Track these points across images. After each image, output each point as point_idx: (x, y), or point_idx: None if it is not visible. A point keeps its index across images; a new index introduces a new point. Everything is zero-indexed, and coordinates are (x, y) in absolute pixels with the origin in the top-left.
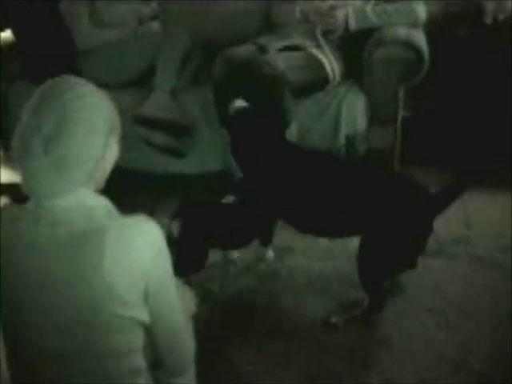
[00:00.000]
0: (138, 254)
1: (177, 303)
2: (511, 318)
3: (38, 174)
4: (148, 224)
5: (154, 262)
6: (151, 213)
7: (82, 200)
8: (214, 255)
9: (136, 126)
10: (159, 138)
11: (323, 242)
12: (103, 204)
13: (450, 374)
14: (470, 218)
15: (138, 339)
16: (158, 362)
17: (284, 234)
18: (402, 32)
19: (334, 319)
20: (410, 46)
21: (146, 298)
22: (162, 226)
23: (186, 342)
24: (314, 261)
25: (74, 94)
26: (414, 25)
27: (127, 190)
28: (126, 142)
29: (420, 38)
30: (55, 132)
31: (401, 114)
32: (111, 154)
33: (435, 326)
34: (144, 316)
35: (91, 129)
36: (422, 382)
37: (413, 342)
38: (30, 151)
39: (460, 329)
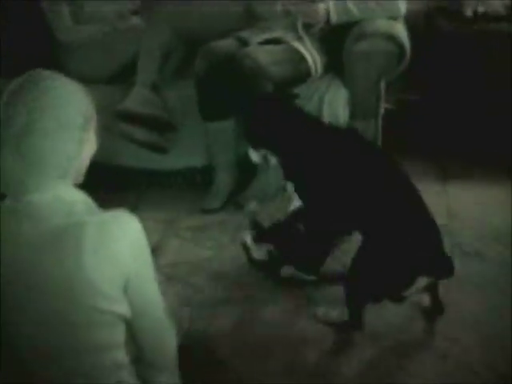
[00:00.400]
0: (117, 249)
1: (158, 298)
2: (494, 306)
3: (11, 170)
4: (127, 218)
5: (134, 256)
6: (134, 208)
7: (60, 195)
8: (197, 250)
9: (118, 122)
10: (141, 133)
11: None
12: (82, 199)
13: (433, 363)
14: (452, 209)
15: (120, 334)
16: (140, 357)
17: None
18: (382, 25)
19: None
20: (391, 38)
21: (126, 291)
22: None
23: (168, 337)
24: None
25: (46, 88)
26: (394, 18)
27: (110, 185)
28: (108, 137)
29: (401, 31)
30: (27, 127)
31: (383, 106)
32: (88, 149)
33: (419, 316)
34: (125, 310)
35: (64, 123)
36: (404, 371)
37: (396, 331)
38: (2, 146)
39: (443, 318)
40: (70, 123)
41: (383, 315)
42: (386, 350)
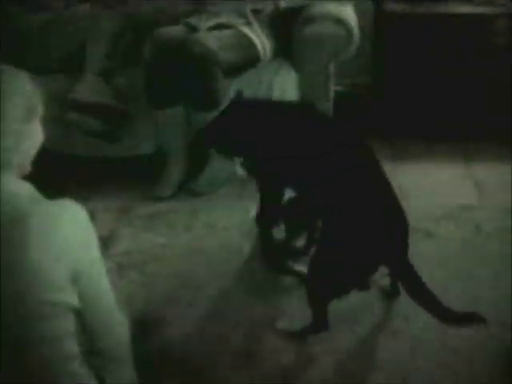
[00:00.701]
0: (63, 238)
1: (107, 286)
2: (443, 284)
3: None
4: (73, 208)
5: (82, 246)
6: (86, 198)
7: (4, 187)
8: (151, 238)
9: (68, 111)
10: (92, 122)
11: None
12: (26, 190)
13: (386, 341)
14: (403, 188)
15: (70, 325)
16: (92, 347)
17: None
18: (331, 8)
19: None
20: (339, 22)
21: (75, 281)
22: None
23: (119, 327)
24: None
25: None
26: (343, 1)
27: (62, 175)
28: (60, 126)
29: (349, 14)
30: None
31: (333, 89)
32: (32, 140)
33: (374, 296)
34: (74, 300)
35: (1, 116)
36: (360, 350)
37: (351, 310)
38: None
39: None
40: (7, 117)
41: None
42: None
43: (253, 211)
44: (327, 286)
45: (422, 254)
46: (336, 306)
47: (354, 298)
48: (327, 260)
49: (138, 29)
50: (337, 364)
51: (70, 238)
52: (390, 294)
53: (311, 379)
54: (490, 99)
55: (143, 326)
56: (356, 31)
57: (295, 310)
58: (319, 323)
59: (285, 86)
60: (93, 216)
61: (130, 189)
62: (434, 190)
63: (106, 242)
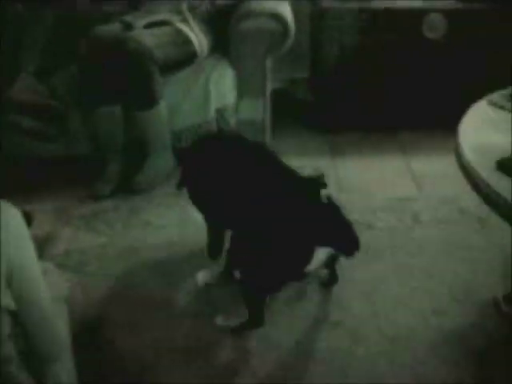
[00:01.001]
0: None
1: (42, 287)
2: (383, 275)
3: None
4: (6, 210)
5: (16, 247)
6: (25, 198)
7: None
8: (90, 238)
9: (5, 111)
10: (28, 122)
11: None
12: None
13: (326, 332)
14: (342, 182)
15: (5, 327)
16: (30, 348)
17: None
18: (267, 4)
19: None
20: (275, 17)
21: (9, 283)
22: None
23: (56, 327)
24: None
25: None
26: None
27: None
28: None
29: (285, 10)
30: None
31: (270, 85)
32: None
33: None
34: (8, 302)
35: None
36: (301, 343)
37: (288, 305)
38: None
39: (337, 288)
40: None
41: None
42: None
43: None
44: (261, 285)
45: (362, 246)
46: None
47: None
48: (258, 259)
49: (73, 27)
50: (277, 357)
51: (4, 241)
52: (327, 283)
53: (253, 373)
54: (424, 91)
55: (84, 326)
56: (292, 26)
57: (234, 306)
58: (255, 320)
59: (222, 82)
60: (31, 217)
61: (67, 189)
62: (372, 183)
63: (45, 243)
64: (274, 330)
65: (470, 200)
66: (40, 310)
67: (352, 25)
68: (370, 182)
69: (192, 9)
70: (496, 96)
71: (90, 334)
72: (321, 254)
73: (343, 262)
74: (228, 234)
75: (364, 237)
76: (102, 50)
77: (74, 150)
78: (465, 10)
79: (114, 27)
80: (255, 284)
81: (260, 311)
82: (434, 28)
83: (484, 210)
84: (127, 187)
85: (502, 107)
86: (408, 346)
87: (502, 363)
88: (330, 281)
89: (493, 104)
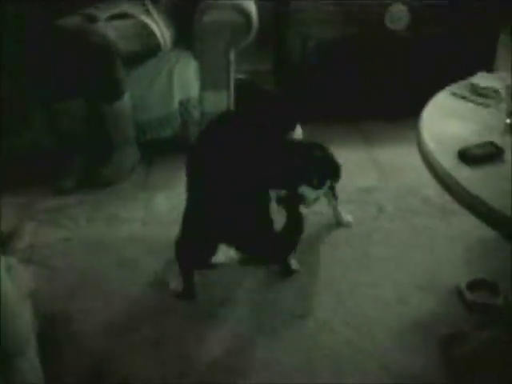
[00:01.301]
0: None
1: (4, 281)
2: (348, 266)
3: None
4: None
5: None
6: None
7: None
8: (54, 232)
9: None
10: None
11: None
12: None
13: (291, 321)
14: None
15: None
16: None
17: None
18: None
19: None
20: (238, 9)
21: None
22: None
23: (18, 320)
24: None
25: None
26: None
27: None
28: None
29: (248, 2)
30: None
31: (234, 77)
32: None
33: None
34: None
35: None
36: (265, 332)
37: (251, 293)
38: None
39: (299, 278)
40: None
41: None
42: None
43: None
44: (186, 258)
45: (327, 238)
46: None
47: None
48: (184, 234)
49: (36, 20)
50: (239, 346)
51: None
52: (282, 274)
53: (213, 362)
54: (386, 82)
55: (49, 321)
56: (255, 19)
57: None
58: (185, 290)
59: (185, 74)
60: None
61: (31, 184)
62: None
63: (9, 238)
64: (237, 318)
65: (433, 190)
66: (1, 304)
67: (315, 17)
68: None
69: (155, 1)
70: (457, 86)
71: (55, 328)
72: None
73: (307, 252)
74: None
75: (329, 227)
76: (65, 42)
77: (37, 144)
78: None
79: (77, 20)
80: (181, 256)
81: (188, 283)
82: (397, 19)
83: (447, 199)
84: (91, 181)
85: (463, 97)
86: (372, 334)
87: (465, 350)
88: (284, 272)
89: (454, 94)
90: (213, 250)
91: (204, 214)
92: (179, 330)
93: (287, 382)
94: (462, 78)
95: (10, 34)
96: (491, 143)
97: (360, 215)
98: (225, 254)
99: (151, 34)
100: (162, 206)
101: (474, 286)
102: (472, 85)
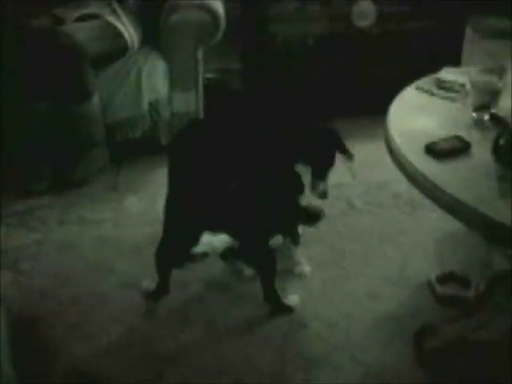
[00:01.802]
0: None
1: None
2: (318, 261)
3: None
4: None
5: None
6: None
7: None
8: (24, 235)
9: None
10: None
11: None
12: None
13: (263, 316)
14: None
15: None
16: None
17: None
18: None
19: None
20: (204, 9)
21: None
22: None
23: None
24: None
25: None
26: None
27: None
28: None
29: (215, 1)
30: None
31: (202, 76)
32: None
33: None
34: None
35: None
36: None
37: (224, 288)
38: None
39: None
40: None
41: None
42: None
43: None
44: (164, 256)
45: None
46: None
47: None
48: (164, 232)
49: (3, 20)
50: (215, 341)
51: None
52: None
53: (188, 364)
54: (354, 79)
55: (20, 325)
56: (222, 18)
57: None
58: (160, 287)
59: (154, 74)
60: None
61: (0, 186)
62: None
63: None
64: (209, 317)
65: (402, 185)
66: None
67: (283, 15)
68: None
69: (121, 2)
70: (424, 81)
71: (26, 332)
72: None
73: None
74: None
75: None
76: (32, 43)
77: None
78: None
79: (44, 21)
80: (160, 254)
81: (163, 279)
82: (364, 16)
83: (416, 193)
84: (61, 183)
85: (429, 92)
86: (344, 329)
87: (436, 343)
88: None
89: (421, 89)
90: (195, 240)
91: (189, 202)
92: (153, 330)
93: (260, 379)
94: (429, 73)
95: None
96: (458, 137)
97: (330, 211)
98: (207, 245)
99: (118, 34)
100: (132, 207)
101: (444, 279)
102: (438, 80)
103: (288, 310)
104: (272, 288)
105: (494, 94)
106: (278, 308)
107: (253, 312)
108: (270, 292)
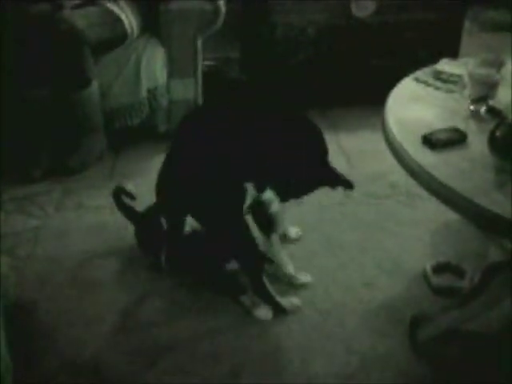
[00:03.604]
0: None
1: None
2: (314, 251)
3: None
4: None
5: None
6: None
7: None
8: (22, 221)
9: None
10: None
11: None
12: None
13: (259, 306)
14: None
15: None
16: None
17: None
18: None
19: None
20: None
21: None
22: None
23: None
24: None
25: None
26: None
27: None
28: None
29: None
30: None
31: (202, 64)
32: None
33: None
34: None
35: None
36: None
37: None
38: None
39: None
40: None
41: None
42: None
43: None
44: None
45: (294, 221)
46: None
47: None
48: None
49: (2, 6)
50: (210, 334)
51: None
52: None
53: (185, 350)
54: (353, 69)
55: (17, 310)
56: (222, 6)
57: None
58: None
59: (153, 61)
60: None
61: None
62: None
63: None
64: (204, 305)
65: (398, 175)
66: None
67: (283, 5)
68: None
69: None
70: (422, 73)
71: (24, 317)
72: None
73: None
74: None
75: (295, 212)
76: (32, 30)
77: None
78: None
79: (43, 7)
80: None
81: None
82: (363, 7)
83: (412, 183)
84: (59, 169)
85: (427, 83)
86: (340, 318)
87: (431, 333)
88: None
89: (419, 80)
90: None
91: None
92: (149, 317)
93: (256, 367)
94: (427, 64)
95: None
96: (455, 128)
97: (327, 201)
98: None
99: (118, 21)
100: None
101: (439, 269)
102: (436, 71)
103: (281, 310)
104: (258, 281)
105: (492, 86)
106: (270, 303)
107: (249, 301)
108: (257, 285)
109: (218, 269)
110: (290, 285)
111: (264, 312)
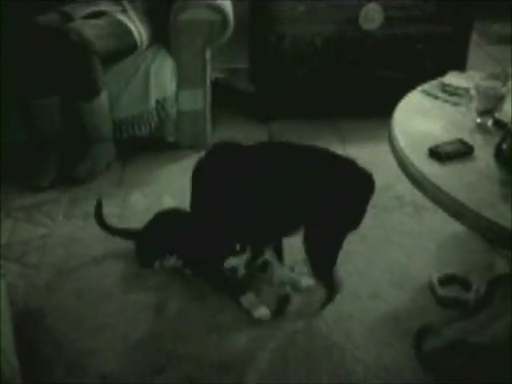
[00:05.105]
0: None
1: None
2: None
3: None
4: None
5: None
6: None
7: None
8: (31, 229)
9: None
10: None
11: None
12: None
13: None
14: None
15: None
16: None
17: None
18: None
19: None
20: (214, 8)
21: None
22: None
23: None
24: None
25: None
26: None
27: None
28: None
29: (224, 1)
30: None
31: (210, 75)
32: None
33: None
34: None
35: None
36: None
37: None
38: None
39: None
40: None
41: None
42: None
43: None
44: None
45: (300, 234)
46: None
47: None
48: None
49: (12, 17)
50: (214, 339)
51: None
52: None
53: (189, 356)
54: (362, 81)
55: (26, 317)
56: (231, 17)
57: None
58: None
59: (161, 72)
60: None
61: (7, 180)
62: None
63: None
64: (210, 313)
65: (405, 186)
66: None
67: (291, 16)
68: None
69: (131, 0)
70: (429, 85)
71: (32, 324)
72: None
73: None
74: None
75: None
76: (41, 40)
77: (11, 138)
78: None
79: (53, 17)
80: None
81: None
82: (371, 19)
83: (418, 195)
84: (67, 178)
85: (434, 96)
86: (345, 328)
87: (436, 344)
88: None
89: (426, 93)
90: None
91: None
92: (156, 325)
93: (262, 377)
94: (435, 77)
95: None
96: (461, 141)
97: None
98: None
99: (128, 32)
100: (138, 202)
101: (445, 280)
102: (443, 84)
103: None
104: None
105: (498, 99)
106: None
107: (248, 301)
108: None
109: (217, 269)
110: (295, 289)
111: (263, 312)
